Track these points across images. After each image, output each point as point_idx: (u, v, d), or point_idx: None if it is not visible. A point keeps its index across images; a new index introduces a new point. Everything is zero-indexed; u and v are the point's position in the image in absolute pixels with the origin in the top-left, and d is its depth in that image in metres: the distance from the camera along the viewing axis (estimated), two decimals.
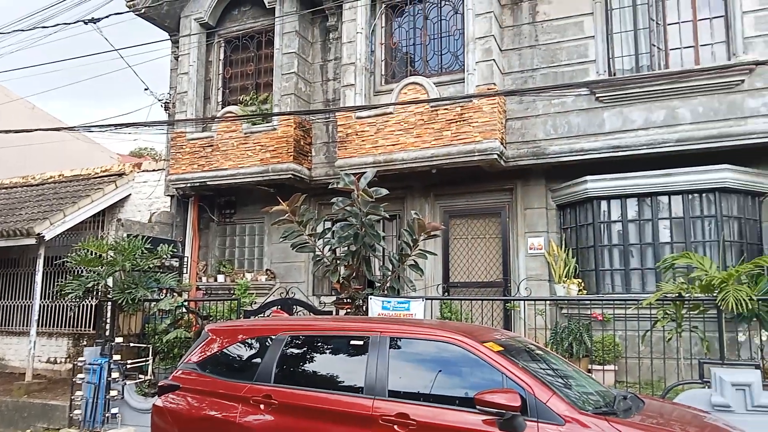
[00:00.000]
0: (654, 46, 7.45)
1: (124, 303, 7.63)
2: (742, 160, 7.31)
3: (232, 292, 9.34)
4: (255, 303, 8.77)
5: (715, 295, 5.93)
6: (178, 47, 10.39)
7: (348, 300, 7.00)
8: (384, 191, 6.55)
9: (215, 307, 8.75)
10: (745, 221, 7.50)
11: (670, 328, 6.30)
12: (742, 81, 7.05)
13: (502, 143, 7.76)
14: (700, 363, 5.82)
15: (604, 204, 7.76)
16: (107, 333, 8.09)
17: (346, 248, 6.88)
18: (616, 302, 6.95)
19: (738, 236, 7.44)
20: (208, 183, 9.57)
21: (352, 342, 4.31)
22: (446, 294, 8.37)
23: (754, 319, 6.77)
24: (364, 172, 6.78)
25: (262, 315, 7.58)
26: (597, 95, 7.56)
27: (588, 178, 7.66)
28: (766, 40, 7.02)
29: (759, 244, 7.54)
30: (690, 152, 7.30)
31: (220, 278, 10.14)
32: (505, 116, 7.98)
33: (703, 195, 7.40)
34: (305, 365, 4.51)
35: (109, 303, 8.08)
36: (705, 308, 6.28)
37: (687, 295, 6.11)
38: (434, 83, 8.09)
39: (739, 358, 6.98)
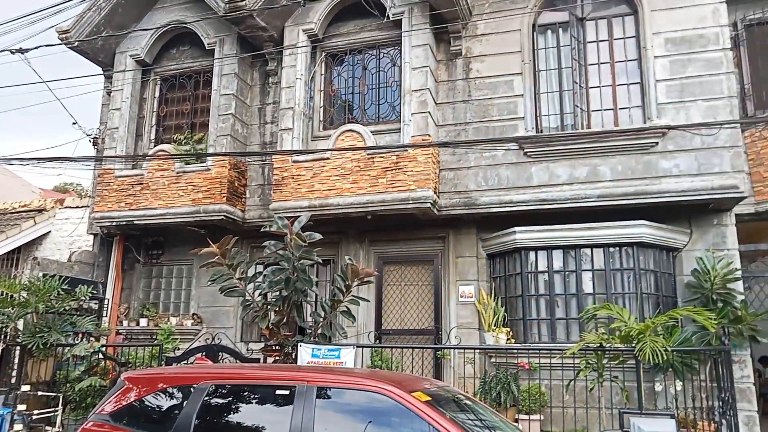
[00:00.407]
0: (577, 107, 7.93)
1: (34, 348, 7.12)
2: (658, 216, 7.78)
3: (154, 337, 8.91)
4: (179, 349, 8.40)
5: (633, 345, 6.20)
6: (111, 83, 10.14)
7: (277, 347, 6.83)
8: (318, 236, 6.52)
9: (135, 353, 8.29)
10: (660, 274, 7.92)
11: (593, 377, 6.51)
12: (656, 143, 7.57)
13: (435, 192, 7.95)
14: (620, 413, 6.01)
15: (531, 254, 8.02)
16: (13, 380, 7.49)
17: (277, 293, 6.75)
18: (542, 351, 7.12)
19: (654, 289, 7.84)
20: (135, 222, 9.22)
21: (278, 391, 4.17)
22: (378, 341, 8.32)
23: (670, 369, 7.12)
24: (299, 216, 6.74)
25: (185, 362, 7.25)
26: (525, 150, 7.92)
27: (516, 229, 7.93)
28: (677, 106, 7.62)
29: (673, 296, 7.96)
30: (611, 207, 7.70)
31: (143, 322, 9.66)
32: (438, 166, 8.20)
33: (623, 249, 7.79)
34: (228, 416, 4.32)
35: (18, 348, 7.52)
36: (624, 358, 6.53)
37: (608, 345, 6.36)
38: (371, 131, 8.25)
39: (657, 408, 7.26)
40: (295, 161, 8.37)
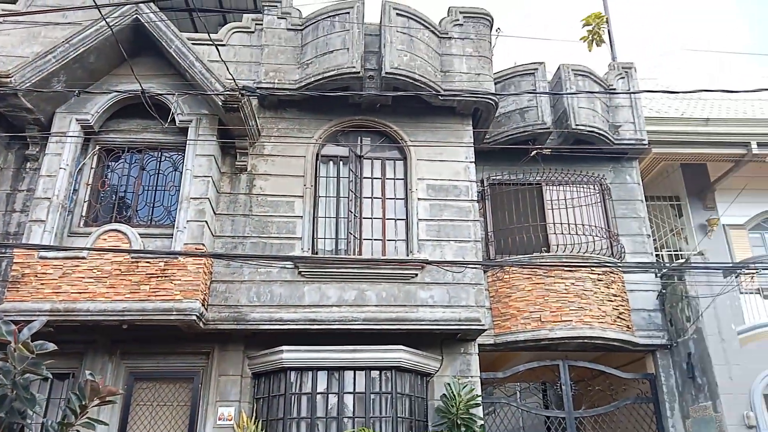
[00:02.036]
0: (351, 234, 8.47)
1: None
2: (416, 343, 8.37)
3: None
4: None
5: None
6: None
7: None
8: (52, 346, 5.56)
9: None
10: (415, 399, 8.37)
11: None
12: (416, 275, 8.33)
13: (203, 305, 7.58)
14: None
15: (296, 375, 7.92)
16: None
17: None
18: None
19: (409, 413, 8.21)
20: None
21: None
22: None
23: None
24: (33, 321, 5.79)
25: None
26: (300, 270, 8.09)
27: (284, 348, 7.84)
28: (434, 244, 8.57)
29: (425, 421, 8.41)
30: (375, 331, 8.10)
31: None
32: (210, 278, 7.91)
33: (383, 372, 8.12)
34: None
35: None
36: None
37: None
38: (140, 234, 7.72)
39: None
40: (42, 257, 7.37)
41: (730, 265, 9.28)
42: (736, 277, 8.71)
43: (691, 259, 9.23)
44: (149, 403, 8.01)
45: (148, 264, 7.42)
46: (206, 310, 7.68)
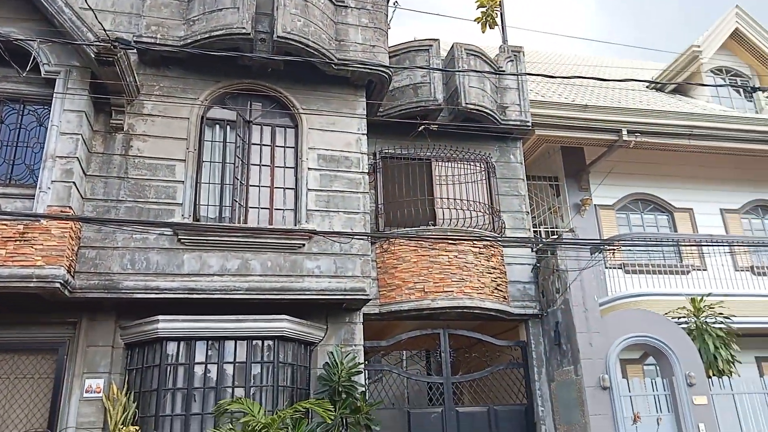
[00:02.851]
0: (236, 201, 8.22)
1: None
2: (300, 313, 8.35)
3: None
4: None
5: None
6: None
7: None
8: None
9: None
10: (297, 368, 8.39)
11: None
12: (303, 245, 8.27)
13: (70, 272, 7.07)
14: None
15: (173, 345, 7.67)
16: None
17: None
18: None
19: (291, 382, 8.23)
20: None
21: None
22: None
23: None
24: None
25: None
26: (180, 237, 7.75)
27: (160, 317, 7.53)
28: (323, 214, 8.53)
29: (307, 389, 8.46)
30: (258, 301, 7.98)
31: None
32: (78, 243, 7.38)
33: (265, 342, 8.05)
34: None
35: None
36: None
37: None
38: None
39: None
40: None
41: (597, 241, 10.06)
42: (600, 253, 9.45)
43: (562, 236, 9.89)
44: (5, 377, 7.43)
45: (5, 226, 6.78)
46: (73, 277, 7.18)
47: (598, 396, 8.80)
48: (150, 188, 7.89)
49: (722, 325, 9.97)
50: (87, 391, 7.43)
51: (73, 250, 7.18)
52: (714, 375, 9.58)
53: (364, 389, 8.58)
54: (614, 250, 9.91)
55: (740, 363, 10.37)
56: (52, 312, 7.45)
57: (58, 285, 6.79)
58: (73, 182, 7.22)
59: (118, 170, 7.85)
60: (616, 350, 9.22)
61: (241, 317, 7.86)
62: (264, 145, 8.72)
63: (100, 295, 7.36)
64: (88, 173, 7.71)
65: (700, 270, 11.63)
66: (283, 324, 8.07)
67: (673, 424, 9.06)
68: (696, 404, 9.09)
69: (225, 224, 8.07)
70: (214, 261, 7.87)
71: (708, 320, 10.00)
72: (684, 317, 10.11)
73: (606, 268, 11.25)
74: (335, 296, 8.30)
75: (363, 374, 8.72)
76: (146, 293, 7.49)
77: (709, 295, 10.35)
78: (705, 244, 10.32)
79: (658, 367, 9.87)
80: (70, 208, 7.09)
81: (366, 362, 11.11)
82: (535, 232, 11.87)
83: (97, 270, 7.40)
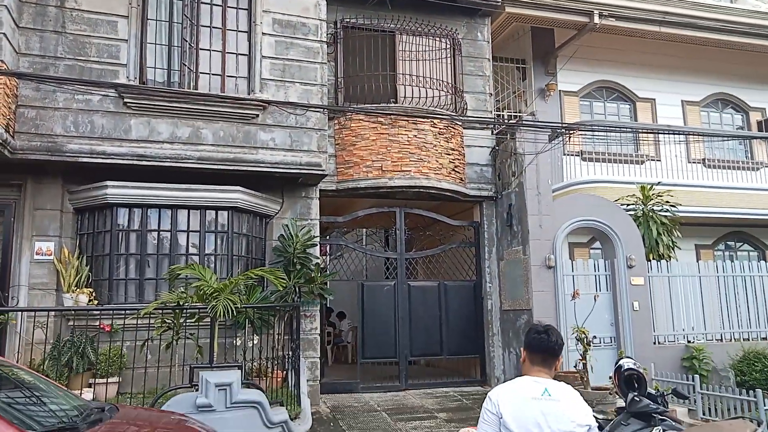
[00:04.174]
0: (185, 65, 7.78)
1: None
2: (255, 185, 8.29)
3: None
4: None
5: (209, 304, 6.45)
6: None
7: None
8: None
9: None
10: (252, 238, 8.48)
11: (177, 337, 6.56)
12: (257, 115, 8.02)
13: (9, 132, 6.74)
14: (191, 368, 6.19)
15: (123, 212, 7.60)
16: None
17: None
18: (116, 313, 6.82)
19: (245, 252, 8.35)
20: None
21: None
22: None
23: (250, 325, 7.70)
24: None
25: None
26: (125, 100, 7.40)
27: (108, 183, 7.38)
28: (278, 84, 8.21)
29: (262, 259, 8.63)
30: (210, 171, 7.85)
31: None
32: (15, 102, 6.98)
33: (219, 212, 8.04)
34: None
35: None
36: (202, 316, 6.75)
37: (185, 304, 6.47)
38: None
39: (236, 361, 7.76)
40: None
41: (556, 124, 10.04)
42: (556, 138, 9.48)
43: (523, 119, 9.83)
44: None
45: None
46: (13, 137, 6.86)
47: (543, 274, 9.23)
48: (91, 46, 7.37)
49: (668, 213, 10.37)
50: (37, 254, 7.40)
51: (10, 108, 6.79)
52: (654, 259, 10.09)
53: (318, 261, 8.79)
54: (571, 134, 9.93)
55: (680, 249, 10.95)
56: None
57: None
58: (3, 33, 6.67)
59: (55, 24, 7.25)
60: (564, 232, 9.55)
61: (192, 186, 7.76)
62: (215, 4, 8.12)
63: (44, 157, 7.10)
64: (20, 25, 7.11)
65: (654, 160, 11.86)
66: (237, 195, 8.02)
67: (610, 301, 9.67)
68: (633, 284, 9.66)
69: (174, 89, 7.70)
70: (163, 128, 7.60)
71: (655, 208, 10.37)
72: (633, 204, 10.45)
73: (564, 155, 11.36)
74: (290, 170, 8.21)
75: (317, 247, 8.88)
76: (92, 157, 7.26)
77: (658, 183, 10.65)
78: (663, 131, 10.43)
79: (602, 250, 10.34)
80: (2, 62, 6.60)
81: (327, 237, 11.36)
82: (497, 115, 11.77)
83: (38, 131, 7.08)
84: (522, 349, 2.86)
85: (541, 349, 2.71)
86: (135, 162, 7.45)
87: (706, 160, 12.74)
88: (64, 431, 3.77)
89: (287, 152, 8.16)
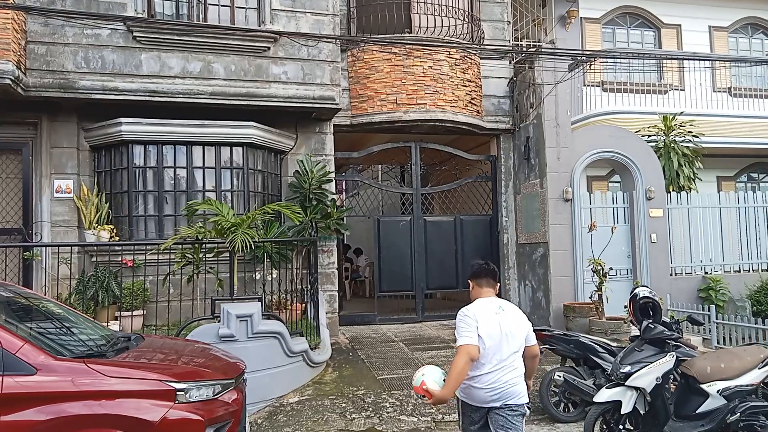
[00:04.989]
0: None
1: None
2: (269, 120, 8.20)
3: None
4: None
5: (228, 238, 6.53)
6: None
7: None
8: None
9: None
10: (267, 174, 8.49)
11: (197, 271, 6.71)
12: (268, 48, 7.84)
13: (19, 68, 6.69)
14: (212, 300, 6.35)
15: (139, 149, 7.61)
16: None
17: None
18: (137, 248, 6.95)
19: (261, 188, 8.38)
20: None
21: None
22: None
23: (268, 259, 7.81)
24: None
25: None
26: (135, 34, 7.26)
27: (122, 120, 7.35)
28: (289, 15, 7.98)
29: (278, 195, 8.66)
30: (223, 106, 7.77)
31: None
32: (25, 37, 6.88)
33: (233, 148, 8.02)
34: None
35: None
36: (221, 250, 6.87)
37: (204, 238, 6.56)
38: None
39: (256, 294, 7.94)
40: None
41: (576, 51, 9.69)
42: (577, 67, 9.17)
43: (542, 47, 9.49)
44: None
45: None
46: (24, 75, 6.82)
47: (560, 207, 9.16)
48: None
49: (690, 144, 10.13)
50: (57, 191, 7.50)
51: (20, 44, 6.71)
52: (674, 190, 9.95)
53: (334, 197, 8.80)
54: (592, 63, 9.59)
55: (701, 181, 10.76)
56: (11, 111, 7.20)
57: (8, 81, 6.45)
58: None
59: None
60: (582, 165, 9.41)
61: (206, 122, 7.71)
62: None
63: (57, 94, 7.06)
64: None
65: (678, 90, 11.48)
66: (251, 131, 7.96)
67: (628, 233, 9.61)
68: (652, 216, 9.57)
69: (183, 22, 7.53)
70: (174, 62, 7.48)
71: (677, 139, 10.12)
72: (654, 135, 10.21)
73: (584, 85, 11.02)
74: (304, 104, 8.09)
75: (332, 183, 8.87)
76: (104, 94, 7.20)
77: (681, 113, 10.35)
78: (688, 58, 10.02)
79: (621, 183, 10.19)
80: None
81: (344, 174, 11.34)
82: (516, 45, 11.38)
83: (50, 68, 7.01)
84: (469, 280, 3.66)
85: (485, 273, 3.62)
86: (147, 98, 7.39)
87: (733, 89, 12.29)
88: (93, 357, 3.91)
89: (300, 86, 8.02)
